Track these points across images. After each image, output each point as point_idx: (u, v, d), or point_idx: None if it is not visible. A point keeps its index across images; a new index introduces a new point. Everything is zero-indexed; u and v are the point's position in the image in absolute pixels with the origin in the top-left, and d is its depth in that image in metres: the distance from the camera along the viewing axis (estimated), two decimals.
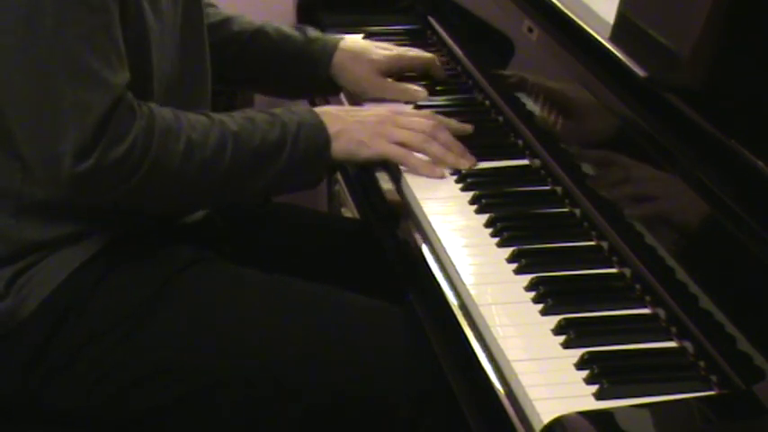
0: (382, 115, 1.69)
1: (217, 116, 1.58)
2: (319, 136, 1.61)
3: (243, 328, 1.58)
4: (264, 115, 1.61)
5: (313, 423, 1.55)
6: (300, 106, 1.67)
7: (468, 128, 1.74)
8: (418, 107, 1.87)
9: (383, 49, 1.93)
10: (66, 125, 1.45)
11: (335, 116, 1.65)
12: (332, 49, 1.90)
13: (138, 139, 1.49)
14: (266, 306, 1.60)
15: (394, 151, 1.66)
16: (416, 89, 1.88)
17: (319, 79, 1.91)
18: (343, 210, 2.40)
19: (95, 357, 1.55)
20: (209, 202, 1.68)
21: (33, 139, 1.48)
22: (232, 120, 1.58)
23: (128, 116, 1.48)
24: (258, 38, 1.87)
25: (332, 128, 1.63)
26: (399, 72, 1.94)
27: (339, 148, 1.63)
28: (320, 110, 1.66)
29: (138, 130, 1.49)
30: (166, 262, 1.62)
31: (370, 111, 1.70)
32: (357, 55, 1.90)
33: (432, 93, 1.92)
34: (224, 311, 1.60)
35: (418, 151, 1.68)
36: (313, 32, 1.92)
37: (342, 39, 1.92)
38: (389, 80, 1.90)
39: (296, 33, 1.91)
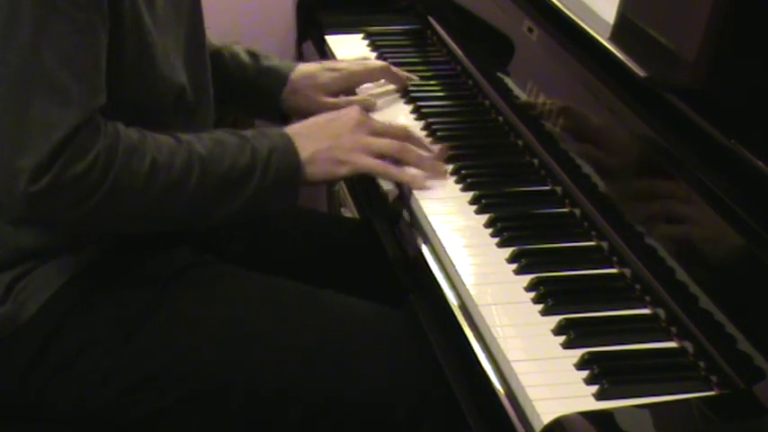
0: (355, 121, 1.65)
1: (186, 138, 1.55)
2: (291, 162, 1.58)
3: (242, 330, 1.58)
4: (235, 139, 1.57)
5: (313, 425, 1.55)
6: (274, 129, 1.63)
7: (433, 150, 1.70)
8: (418, 108, 1.88)
9: (331, 71, 1.90)
10: (30, 141, 1.42)
11: (309, 138, 1.61)
12: (281, 83, 1.87)
13: (100, 157, 1.45)
14: (265, 309, 1.60)
15: (372, 165, 1.64)
16: (365, 99, 1.86)
17: (268, 110, 1.90)
18: (343, 210, 2.40)
19: (95, 361, 1.55)
20: (176, 225, 1.62)
21: None
22: (201, 143, 1.55)
23: (92, 134, 1.45)
24: (213, 61, 1.80)
25: (304, 152, 1.60)
26: (352, 88, 1.92)
27: (316, 171, 1.60)
28: (293, 132, 1.62)
29: (101, 148, 1.45)
30: (165, 265, 1.61)
31: (342, 119, 1.66)
32: (303, 86, 1.88)
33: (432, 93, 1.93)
34: (223, 314, 1.59)
35: (395, 159, 1.66)
36: (267, 62, 1.89)
37: (293, 70, 1.88)
38: (334, 100, 1.87)
39: (249, 62, 1.88)
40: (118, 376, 1.55)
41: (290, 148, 1.59)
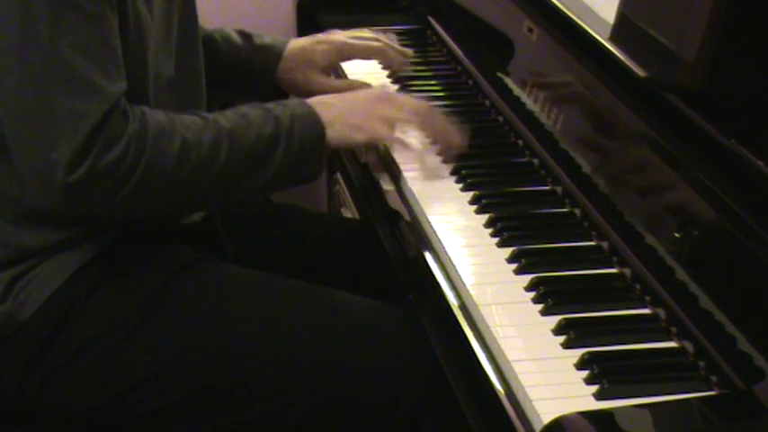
0: (376, 95, 1.68)
1: (210, 116, 1.57)
2: (313, 126, 1.60)
3: (242, 329, 1.58)
4: (257, 111, 1.59)
5: (313, 424, 1.55)
6: (293, 99, 1.65)
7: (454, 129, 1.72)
8: None
9: (324, 44, 1.90)
10: (60, 134, 1.43)
11: (328, 104, 1.63)
12: (275, 59, 1.88)
13: (132, 142, 1.47)
14: (265, 307, 1.60)
15: (389, 136, 1.65)
16: (360, 83, 1.87)
17: (265, 89, 1.90)
18: (343, 210, 2.40)
19: (95, 359, 1.55)
20: (209, 203, 1.66)
21: (26, 148, 1.46)
22: (225, 118, 1.57)
23: (121, 121, 1.47)
24: (206, 45, 1.82)
25: (325, 116, 1.61)
26: (345, 60, 1.93)
27: (334, 134, 1.61)
28: (312, 100, 1.64)
29: (131, 134, 1.47)
30: (165, 263, 1.61)
31: (364, 92, 1.69)
32: (298, 61, 1.88)
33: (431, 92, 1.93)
34: (223, 313, 1.59)
35: (415, 128, 1.68)
36: (259, 40, 1.90)
37: (286, 45, 1.89)
38: (330, 78, 1.89)
39: (242, 43, 1.88)
40: (118, 375, 1.55)
41: (311, 114, 1.60)
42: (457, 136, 1.69)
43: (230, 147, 1.54)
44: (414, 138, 1.69)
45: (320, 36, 1.95)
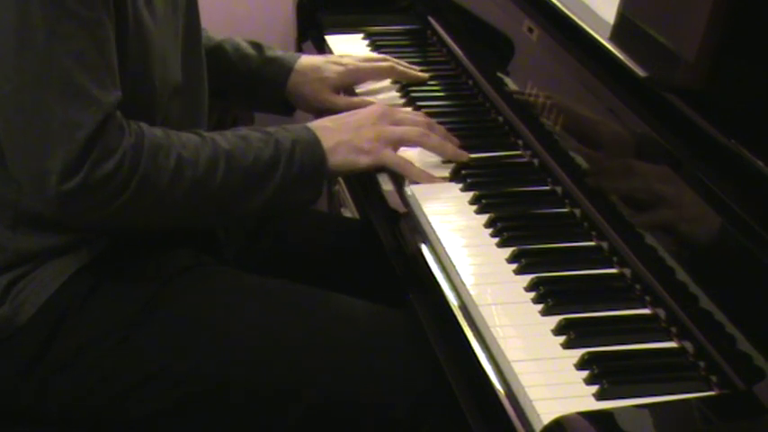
0: (377, 114, 1.68)
1: (209, 134, 1.56)
2: (315, 153, 1.60)
3: (241, 331, 1.58)
4: (258, 134, 1.59)
5: (313, 425, 1.55)
6: (295, 124, 1.65)
7: (455, 141, 1.72)
8: (418, 108, 1.88)
9: (337, 65, 1.91)
10: (55, 143, 1.43)
11: (331, 129, 1.63)
12: (286, 72, 1.88)
13: (127, 155, 1.47)
14: (265, 309, 1.60)
15: (394, 160, 1.65)
16: (367, 101, 1.87)
17: (273, 101, 1.91)
18: (343, 210, 2.40)
19: (93, 362, 1.55)
20: (201, 222, 1.64)
21: (21, 155, 1.46)
22: (224, 138, 1.56)
23: (116, 133, 1.47)
24: (216, 54, 1.84)
25: (327, 143, 1.61)
26: (356, 84, 1.94)
27: (337, 160, 1.61)
28: (315, 125, 1.64)
29: (127, 147, 1.47)
30: (163, 267, 1.61)
31: (364, 112, 1.69)
32: (309, 77, 1.89)
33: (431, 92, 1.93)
34: (222, 315, 1.59)
35: (418, 144, 1.68)
36: (270, 52, 1.90)
37: (298, 60, 1.90)
38: (339, 96, 1.89)
39: (253, 53, 1.89)
40: (117, 377, 1.55)
41: (313, 140, 1.60)
42: (457, 150, 1.69)
43: (227, 167, 1.54)
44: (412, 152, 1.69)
45: (332, 57, 1.96)
